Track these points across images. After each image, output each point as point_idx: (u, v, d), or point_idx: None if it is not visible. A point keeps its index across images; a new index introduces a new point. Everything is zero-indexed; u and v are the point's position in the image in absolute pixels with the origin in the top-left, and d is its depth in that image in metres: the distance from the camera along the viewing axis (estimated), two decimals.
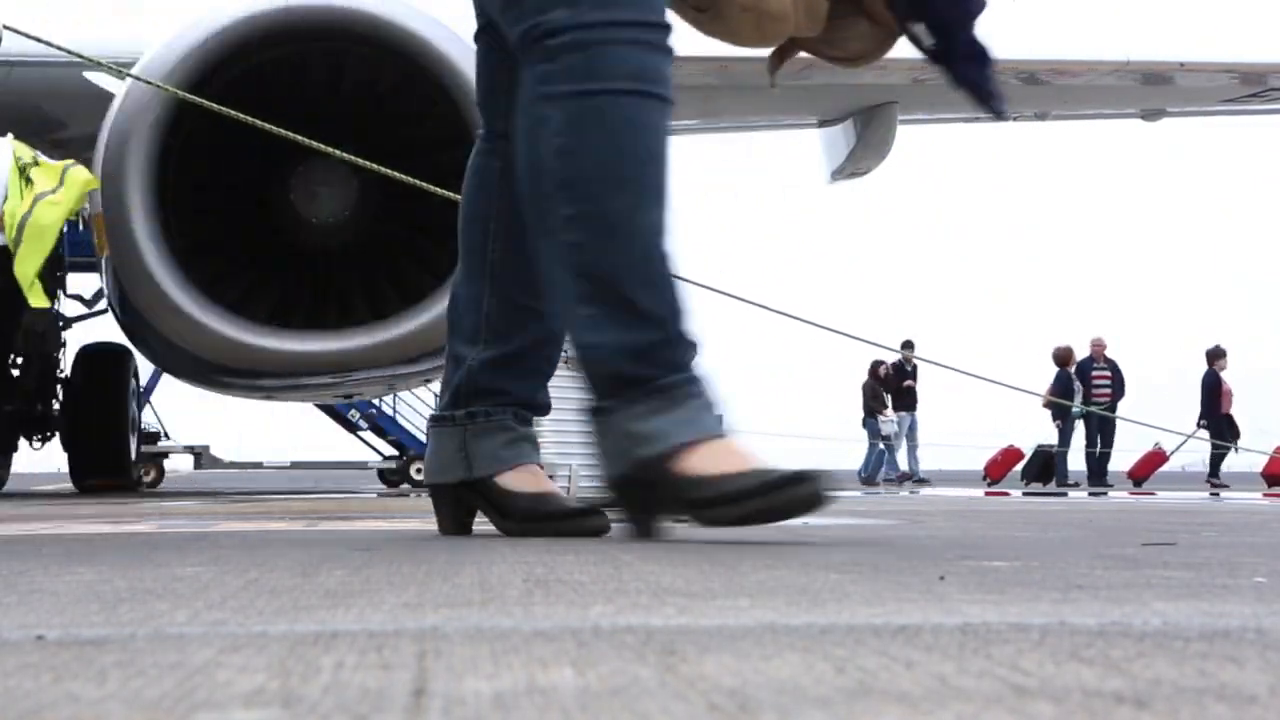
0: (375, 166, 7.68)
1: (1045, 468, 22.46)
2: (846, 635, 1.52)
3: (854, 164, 15.60)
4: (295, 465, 27.77)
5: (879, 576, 2.31)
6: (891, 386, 23.74)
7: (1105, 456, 22.49)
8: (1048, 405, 21.51)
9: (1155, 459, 22.18)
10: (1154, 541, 3.55)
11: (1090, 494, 15.74)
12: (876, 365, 23.67)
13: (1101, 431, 22.31)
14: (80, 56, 8.16)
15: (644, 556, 2.83)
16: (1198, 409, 21.89)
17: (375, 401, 24.83)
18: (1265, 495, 14.68)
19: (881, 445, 23.94)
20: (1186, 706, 1.11)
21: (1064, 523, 5.34)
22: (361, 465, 25.88)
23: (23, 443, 16.23)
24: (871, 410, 23.93)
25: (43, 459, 17.24)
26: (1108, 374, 22.72)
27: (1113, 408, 21.92)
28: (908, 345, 23.46)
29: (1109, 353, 23.04)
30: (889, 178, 16.16)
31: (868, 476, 23.63)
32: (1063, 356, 22.66)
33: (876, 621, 1.65)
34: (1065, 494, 15.98)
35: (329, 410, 24.43)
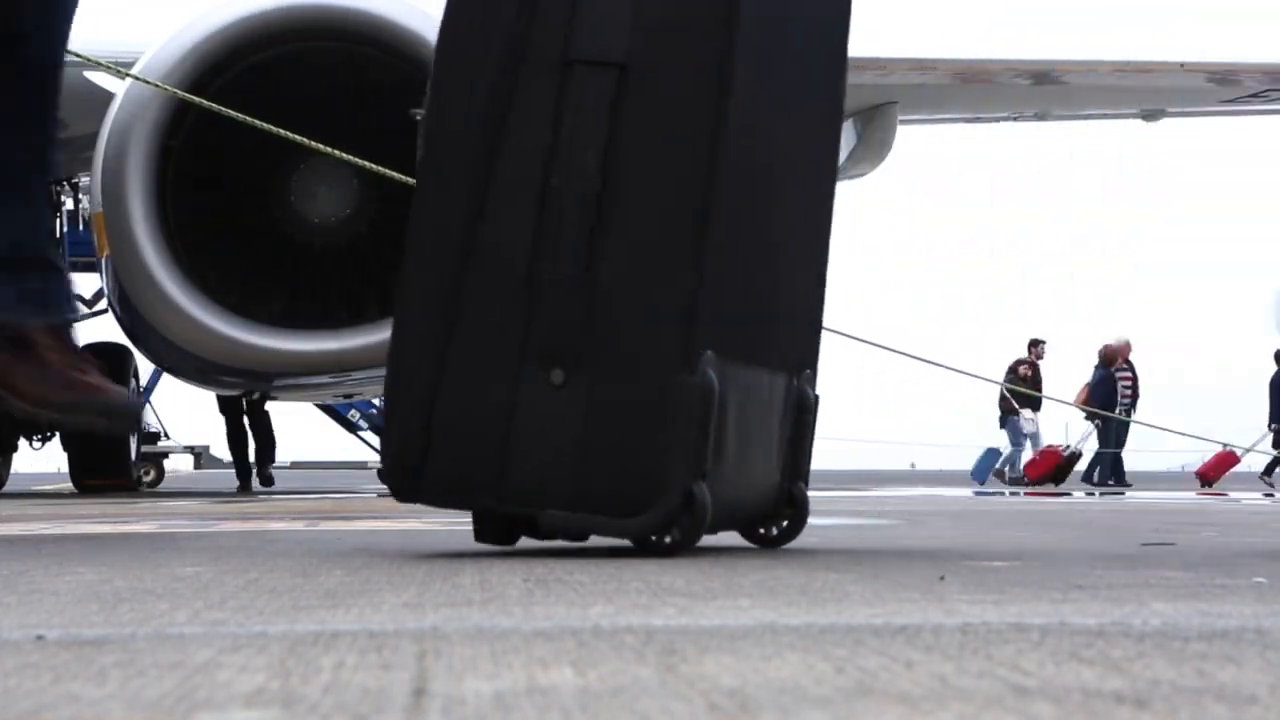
0: (375, 166, 7.68)
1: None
2: (846, 635, 1.52)
3: (854, 164, 15.60)
4: (295, 465, 27.75)
5: (879, 576, 2.31)
6: (1030, 387, 23.01)
7: (1120, 458, 22.43)
8: (1083, 405, 21.28)
9: (1227, 460, 21.93)
10: (1154, 541, 3.55)
11: (1103, 494, 15.69)
12: (1017, 364, 23.14)
13: (1119, 433, 22.26)
14: (80, 56, 8.16)
15: (644, 556, 2.83)
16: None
17: (375, 401, 24.79)
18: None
19: (1019, 444, 23.38)
20: (1186, 706, 1.11)
21: (1064, 523, 5.34)
22: (361, 465, 25.85)
23: (23, 443, 16.20)
24: (1012, 409, 23.31)
25: (43, 459, 17.21)
26: (1129, 375, 22.60)
27: (1131, 409, 21.84)
28: (1035, 344, 23.05)
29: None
30: (889, 178, 16.16)
31: (1016, 477, 23.17)
32: (1110, 355, 22.37)
33: (876, 621, 1.65)
34: (1122, 493, 15.88)
35: (329, 410, 24.40)
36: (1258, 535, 4.16)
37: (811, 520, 4.82)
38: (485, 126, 2.82)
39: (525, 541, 3.67)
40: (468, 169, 2.82)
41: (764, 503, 3.11)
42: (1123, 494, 15.16)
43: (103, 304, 14.90)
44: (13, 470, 16.50)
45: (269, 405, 16.39)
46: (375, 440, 26.08)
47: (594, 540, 3.58)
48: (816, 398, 3.17)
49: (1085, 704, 1.11)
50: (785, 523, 3.13)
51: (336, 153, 7.66)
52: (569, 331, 2.77)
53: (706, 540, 3.17)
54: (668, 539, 2.78)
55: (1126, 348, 22.75)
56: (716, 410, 2.76)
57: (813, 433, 3.17)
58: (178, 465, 25.14)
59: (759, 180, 2.93)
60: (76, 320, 4.13)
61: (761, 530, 3.14)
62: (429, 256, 2.85)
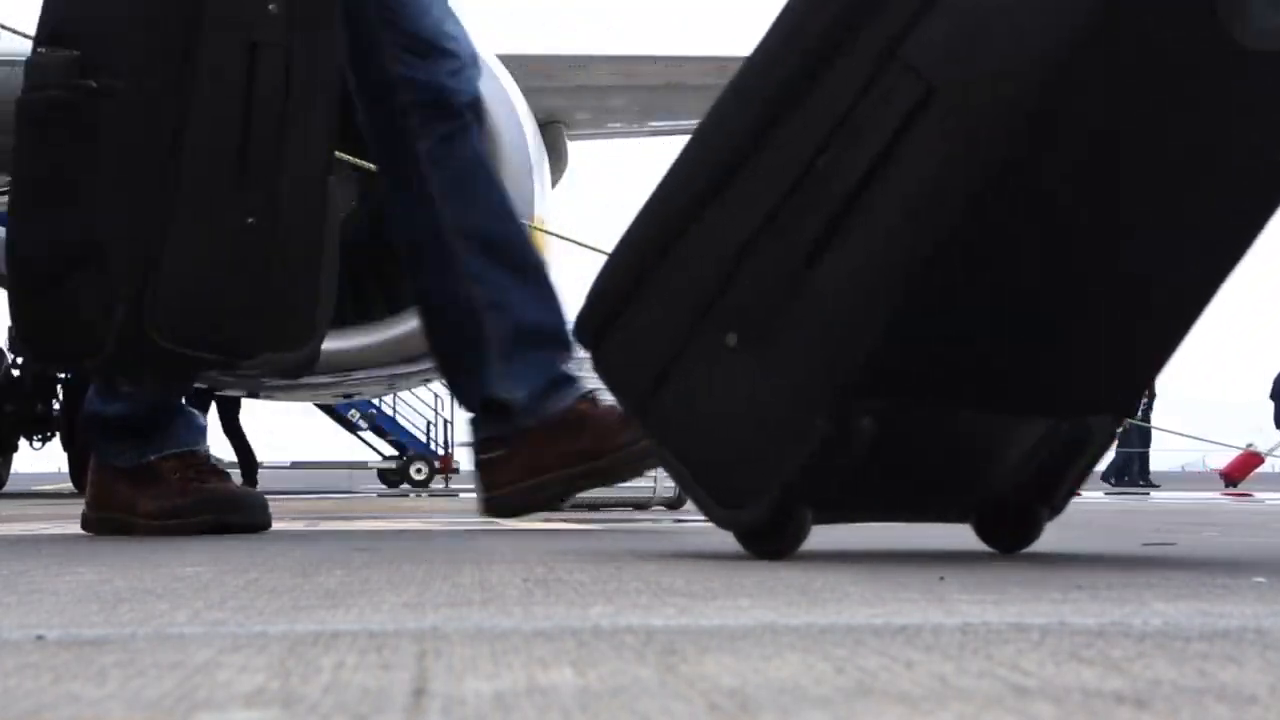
0: (373, 167, 7.68)
1: None
2: (846, 635, 1.52)
3: None
4: (295, 465, 27.79)
5: (879, 576, 2.31)
6: None
7: (1145, 457, 22.43)
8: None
9: (1250, 460, 21.89)
10: (1154, 541, 3.56)
11: (1122, 493, 15.69)
12: None
13: (1141, 433, 22.27)
14: None
15: (644, 556, 2.83)
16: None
17: (375, 401, 24.82)
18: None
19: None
20: (1186, 706, 1.11)
21: (1064, 523, 5.33)
22: (361, 465, 25.89)
23: (23, 443, 16.22)
24: None
25: (43, 459, 17.24)
26: None
27: (1148, 411, 21.85)
28: None
29: None
30: None
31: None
32: None
33: (876, 621, 1.65)
34: (1148, 493, 15.86)
35: (329, 410, 24.41)
36: (1259, 535, 4.16)
37: None
38: (787, 86, 2.72)
39: (524, 543, 3.68)
40: (752, 120, 2.75)
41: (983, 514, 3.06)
42: (1148, 494, 15.15)
43: None
44: (13, 470, 16.52)
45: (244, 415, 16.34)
46: (375, 440, 26.12)
47: (595, 542, 3.58)
48: (1110, 436, 3.03)
49: (1085, 704, 1.11)
50: (1013, 533, 3.07)
51: (336, 152, 7.64)
52: (762, 309, 2.71)
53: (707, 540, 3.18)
54: (768, 545, 2.74)
55: None
56: (864, 453, 2.66)
57: (1080, 468, 3.02)
58: None
59: (1083, 223, 2.73)
60: (203, 450, 4.21)
61: (994, 534, 3.09)
62: (690, 172, 2.80)
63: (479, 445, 4.30)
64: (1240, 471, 21.41)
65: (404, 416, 25.94)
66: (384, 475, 24.23)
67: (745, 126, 2.76)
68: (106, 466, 4.17)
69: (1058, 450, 2.97)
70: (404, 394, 24.78)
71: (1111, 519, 5.88)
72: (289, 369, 3.72)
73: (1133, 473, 22.42)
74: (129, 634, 1.58)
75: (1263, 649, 1.43)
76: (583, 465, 4.14)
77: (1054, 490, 3.02)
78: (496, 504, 4.25)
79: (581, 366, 4.08)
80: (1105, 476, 22.17)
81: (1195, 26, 2.63)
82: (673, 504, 7.40)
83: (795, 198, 2.70)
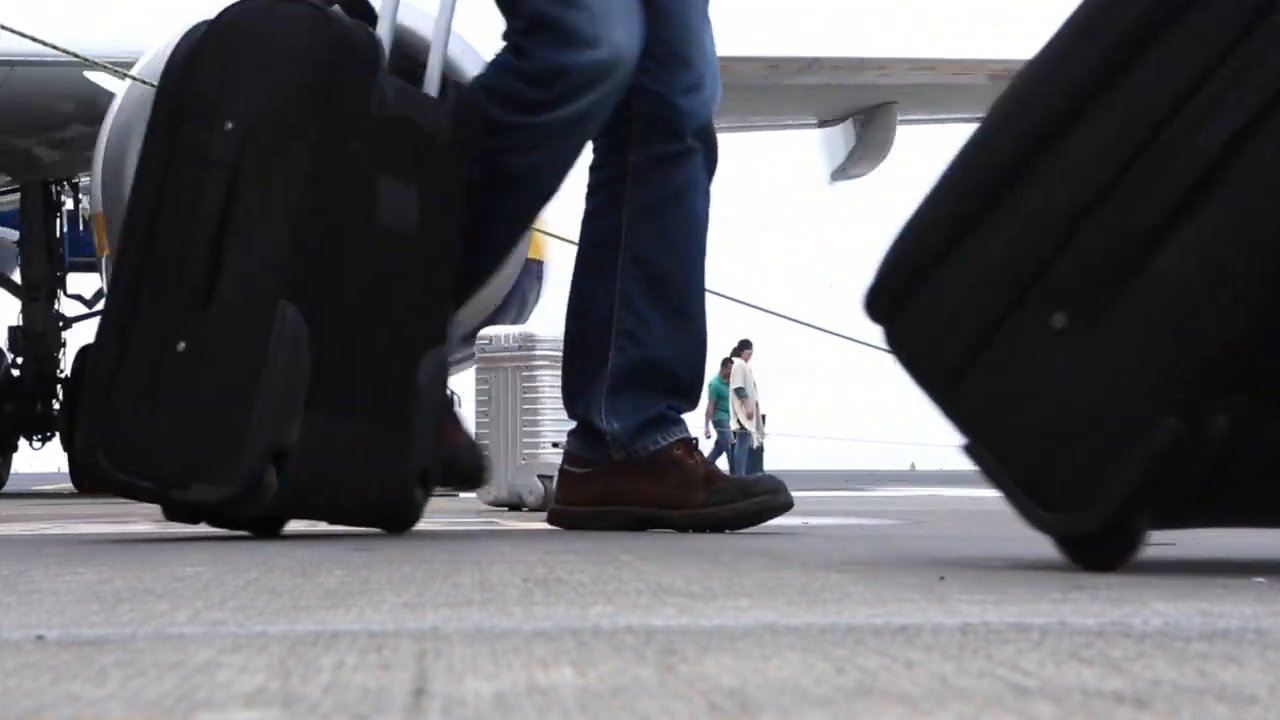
0: None
1: None
2: (846, 635, 1.52)
3: (854, 164, 15.61)
4: None
5: (879, 576, 2.31)
6: None
7: None
8: None
9: None
10: (1154, 541, 3.55)
11: None
12: None
13: None
14: (80, 57, 8.15)
15: (644, 556, 2.83)
16: None
17: None
18: None
19: None
20: (1186, 706, 1.11)
21: None
22: None
23: (23, 443, 16.20)
24: None
25: (43, 459, 17.23)
26: None
27: None
28: None
29: None
30: (889, 178, 16.16)
31: None
32: None
33: (876, 621, 1.65)
34: None
35: None
36: (1259, 535, 4.15)
37: (812, 520, 4.81)
38: (1123, 49, 2.43)
39: (524, 543, 3.67)
40: (1085, 78, 2.46)
41: None
42: None
43: (103, 304, 14.88)
44: (13, 470, 16.50)
45: None
46: None
47: (595, 542, 3.58)
48: None
49: (1085, 704, 1.11)
50: None
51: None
52: (1097, 289, 2.39)
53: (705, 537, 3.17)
54: (1099, 555, 2.47)
55: None
56: (1215, 455, 2.36)
57: None
58: None
59: None
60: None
61: None
62: (1005, 138, 2.53)
63: (567, 456, 4.30)
64: None
65: None
66: None
67: (1072, 88, 2.47)
68: None
69: None
70: None
71: None
72: (227, 504, 3.48)
73: None
74: (129, 634, 1.58)
75: (1263, 649, 1.43)
76: (657, 511, 4.12)
77: None
78: (559, 515, 4.26)
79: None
80: None
81: None
82: None
83: (1138, 168, 2.39)
